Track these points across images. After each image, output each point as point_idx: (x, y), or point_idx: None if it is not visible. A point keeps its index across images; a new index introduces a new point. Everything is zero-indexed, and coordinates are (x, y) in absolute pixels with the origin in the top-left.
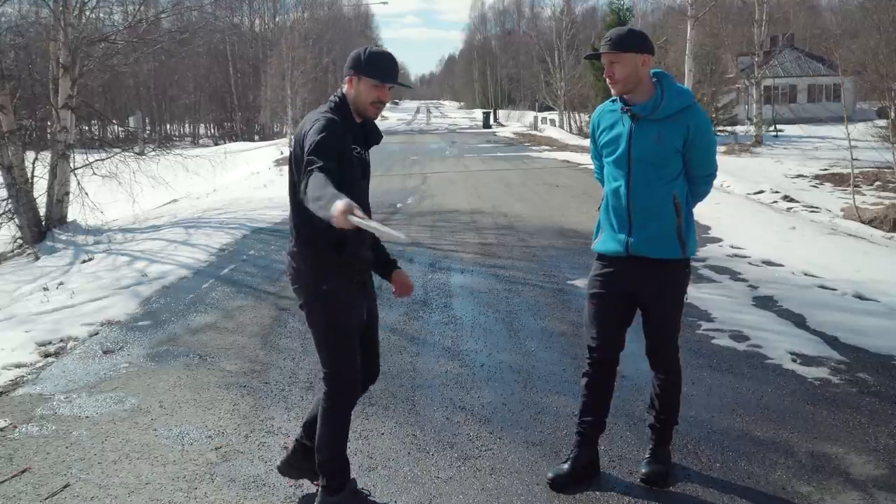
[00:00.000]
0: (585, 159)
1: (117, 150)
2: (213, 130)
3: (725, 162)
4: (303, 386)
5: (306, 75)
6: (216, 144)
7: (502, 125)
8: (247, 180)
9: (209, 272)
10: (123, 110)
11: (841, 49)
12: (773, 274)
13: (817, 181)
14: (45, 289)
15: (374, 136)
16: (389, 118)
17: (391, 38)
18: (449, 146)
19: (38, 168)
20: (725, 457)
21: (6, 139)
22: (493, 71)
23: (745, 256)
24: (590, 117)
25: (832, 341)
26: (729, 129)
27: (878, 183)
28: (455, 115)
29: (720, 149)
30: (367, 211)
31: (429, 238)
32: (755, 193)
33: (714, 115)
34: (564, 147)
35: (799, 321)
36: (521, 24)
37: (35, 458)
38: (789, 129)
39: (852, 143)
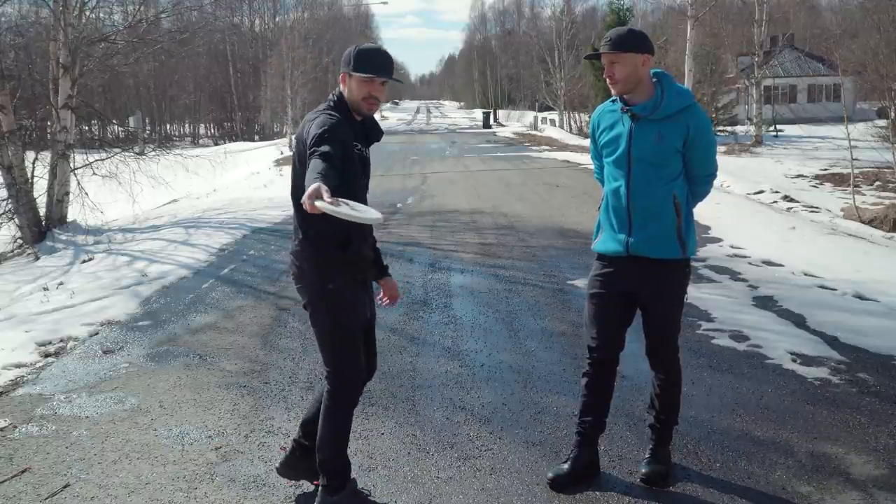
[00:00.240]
0: (585, 159)
1: (117, 150)
2: (213, 130)
3: (725, 162)
4: (303, 386)
5: (306, 75)
6: (216, 144)
7: (502, 125)
8: (247, 180)
9: (209, 272)
10: (123, 110)
11: (841, 49)
12: (773, 274)
13: (817, 181)
14: (45, 289)
15: (374, 133)
16: (389, 118)
17: (391, 38)
18: (449, 146)
19: (38, 168)
20: (725, 457)
21: (6, 139)
22: (493, 71)
23: (745, 256)
24: (590, 117)
25: (832, 341)
26: (729, 129)
27: (878, 183)
28: (455, 115)
29: (720, 149)
30: None
31: (429, 238)
32: (755, 193)
33: (714, 115)
34: (564, 147)
35: (799, 321)
36: (521, 24)
37: (35, 458)
38: (789, 129)
39: (852, 143)
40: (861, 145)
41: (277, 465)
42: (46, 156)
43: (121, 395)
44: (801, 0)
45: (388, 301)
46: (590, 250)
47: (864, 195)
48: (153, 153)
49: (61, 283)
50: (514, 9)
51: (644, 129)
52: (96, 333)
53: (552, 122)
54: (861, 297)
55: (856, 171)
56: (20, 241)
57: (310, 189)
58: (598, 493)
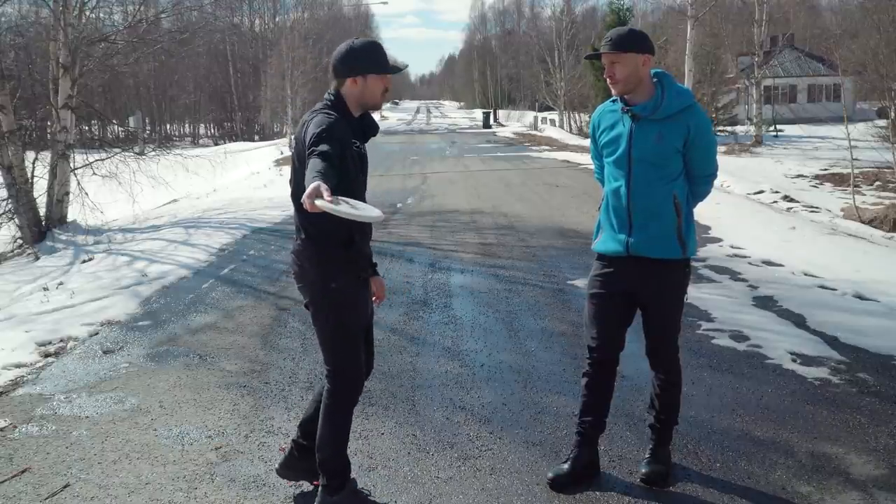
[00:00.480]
0: (585, 159)
1: (117, 150)
2: (213, 130)
3: (725, 162)
4: (303, 386)
5: (306, 75)
6: (216, 144)
7: (502, 125)
8: (247, 180)
9: (209, 272)
10: (123, 110)
11: (841, 49)
12: (773, 274)
13: (817, 181)
14: (45, 289)
15: (371, 129)
16: (389, 118)
17: (391, 38)
18: (449, 146)
19: (38, 168)
20: (725, 457)
21: (6, 139)
22: (493, 71)
23: (745, 256)
24: (590, 117)
25: (832, 341)
26: (729, 129)
27: (878, 183)
28: (455, 115)
29: (720, 149)
30: None
31: (429, 238)
32: (755, 193)
33: (714, 115)
34: (564, 147)
35: (799, 321)
36: (521, 24)
37: (35, 458)
38: (789, 129)
39: (852, 143)
40: (861, 145)
41: (277, 466)
42: (46, 156)
43: (121, 395)
44: (801, 0)
45: (376, 299)
46: (590, 250)
47: (864, 195)
48: (153, 153)
49: (61, 283)
50: (514, 9)
51: (644, 129)
52: (96, 333)
53: (552, 122)
54: (861, 297)
55: (856, 171)
56: (20, 241)
57: (309, 188)
58: (598, 493)
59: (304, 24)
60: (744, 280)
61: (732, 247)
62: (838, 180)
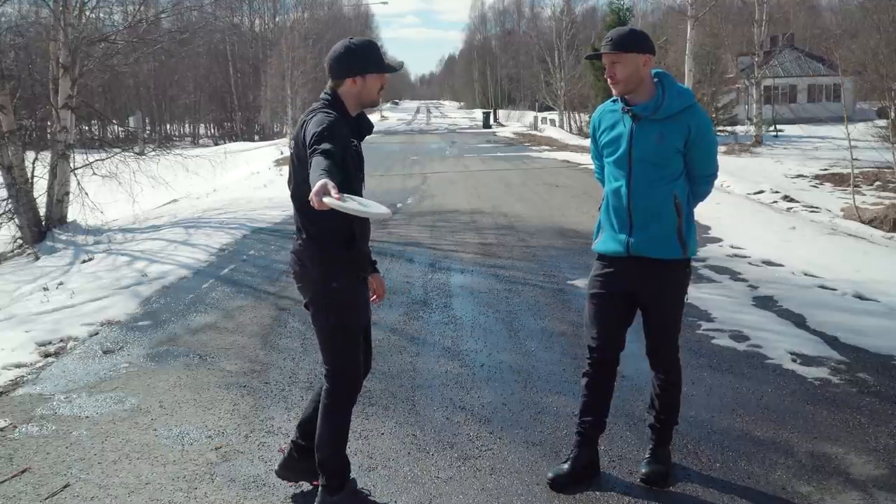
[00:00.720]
0: (585, 159)
1: (117, 150)
2: (213, 130)
3: (725, 162)
4: (303, 386)
5: (306, 75)
6: (216, 144)
7: (502, 125)
8: (247, 180)
9: (209, 272)
10: (123, 110)
11: (841, 49)
12: (773, 274)
13: (817, 181)
14: (45, 289)
15: (366, 128)
16: (389, 118)
17: (391, 38)
18: (449, 146)
19: (38, 168)
20: (725, 457)
21: (6, 139)
22: (493, 71)
23: (745, 256)
24: (590, 117)
25: (832, 341)
26: (729, 129)
27: (878, 183)
28: (455, 115)
29: (720, 149)
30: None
31: (429, 238)
32: (755, 193)
33: (714, 115)
34: (564, 147)
35: (799, 321)
36: (521, 24)
37: (35, 458)
38: (789, 129)
39: (852, 143)
40: (861, 145)
41: (276, 468)
42: (46, 156)
43: (121, 395)
44: (801, 0)
45: (375, 298)
46: (590, 250)
47: (864, 195)
48: (153, 153)
49: (61, 283)
50: (514, 9)
51: (645, 129)
52: (96, 333)
53: (552, 122)
54: (861, 297)
55: (856, 171)
56: (20, 241)
57: (316, 186)
58: (598, 493)
59: (304, 24)
60: (744, 280)
61: (732, 247)
62: (838, 180)
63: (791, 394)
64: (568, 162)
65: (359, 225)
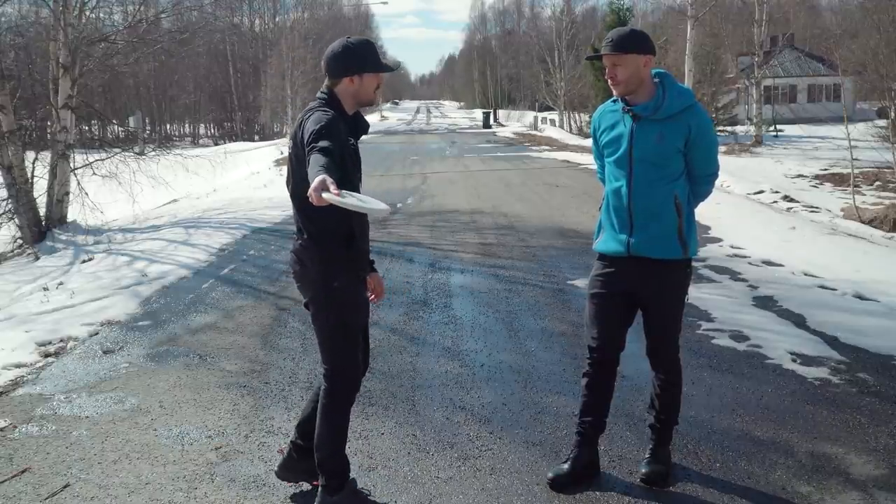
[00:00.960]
0: (585, 159)
1: (117, 150)
2: (213, 130)
3: (725, 162)
4: (303, 386)
5: (306, 75)
6: (216, 144)
7: (502, 125)
8: (247, 180)
9: (209, 272)
10: (123, 110)
11: (841, 49)
12: (773, 274)
13: (817, 181)
14: (45, 289)
15: (363, 126)
16: (389, 118)
17: (391, 38)
18: (449, 146)
19: (38, 168)
20: (725, 457)
21: (6, 139)
22: (493, 71)
23: (745, 256)
24: (590, 117)
25: (832, 341)
26: (729, 129)
27: (878, 183)
28: (455, 115)
29: (720, 149)
30: None
31: (429, 238)
32: (755, 193)
33: (714, 115)
34: (564, 147)
35: (799, 321)
36: (521, 24)
37: (35, 458)
38: (789, 129)
39: (852, 143)
40: (861, 145)
41: (275, 468)
42: (46, 156)
43: (121, 395)
44: (801, 0)
45: (374, 297)
46: (590, 250)
47: (864, 195)
48: (153, 153)
49: (61, 283)
50: (514, 9)
51: (645, 129)
52: (96, 333)
53: (552, 122)
54: (861, 297)
55: (856, 171)
56: (20, 241)
57: (315, 182)
58: (598, 493)
59: (304, 24)
60: (744, 280)
61: (732, 247)
62: (838, 180)
63: (791, 394)
64: (568, 162)
65: (358, 223)
